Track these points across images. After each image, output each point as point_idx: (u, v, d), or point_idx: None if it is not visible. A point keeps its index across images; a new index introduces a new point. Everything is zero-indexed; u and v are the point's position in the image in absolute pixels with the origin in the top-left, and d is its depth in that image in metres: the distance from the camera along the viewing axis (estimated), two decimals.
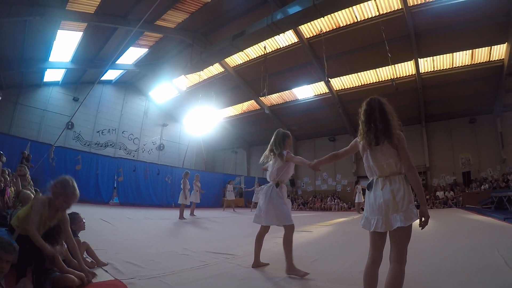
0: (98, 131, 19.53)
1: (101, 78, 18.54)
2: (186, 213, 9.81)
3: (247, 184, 18.00)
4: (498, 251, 3.94)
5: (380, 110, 2.08)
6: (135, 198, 14.77)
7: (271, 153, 3.48)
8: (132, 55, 17.28)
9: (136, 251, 4.00)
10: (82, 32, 13.72)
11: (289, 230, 3.18)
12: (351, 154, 2.45)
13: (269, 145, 3.54)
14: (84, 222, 3.36)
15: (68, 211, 2.69)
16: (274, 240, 4.90)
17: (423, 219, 1.92)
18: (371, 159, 2.07)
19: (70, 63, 15.91)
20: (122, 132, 20.46)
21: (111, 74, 19.54)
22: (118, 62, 17.14)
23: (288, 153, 3.38)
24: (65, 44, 14.50)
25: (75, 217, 3.16)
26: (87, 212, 7.33)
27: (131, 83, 20.83)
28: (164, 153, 22.83)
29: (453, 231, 6.86)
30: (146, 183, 15.44)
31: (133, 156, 20.40)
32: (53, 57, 15.03)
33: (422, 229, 1.93)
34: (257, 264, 3.35)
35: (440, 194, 17.11)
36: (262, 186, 3.63)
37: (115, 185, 14.50)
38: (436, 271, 3.15)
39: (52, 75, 17.30)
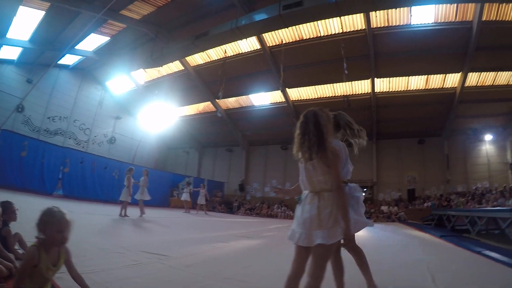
0: (49, 117, 18.38)
1: (58, 62, 17.52)
2: (130, 211, 9.46)
3: (197, 186, 17.78)
4: (427, 268, 4.07)
5: (315, 122, 2.02)
6: (80, 191, 14.09)
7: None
8: (93, 42, 16.50)
9: (69, 246, 3.86)
10: (44, 12, 12.94)
11: None
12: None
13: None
14: (16, 213, 3.14)
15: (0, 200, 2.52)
16: (212, 245, 4.89)
17: (346, 239, 1.96)
18: (304, 173, 2.05)
19: (28, 42, 14.92)
20: (74, 121, 19.37)
21: (69, 59, 18.46)
22: (77, 47, 16.29)
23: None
24: (26, 22, 13.60)
25: (7, 206, 2.97)
26: (28, 202, 7.02)
27: (89, 71, 19.82)
28: (115, 146, 21.85)
29: (389, 245, 7.14)
30: (93, 176, 14.80)
31: (83, 147, 19.39)
32: (11, 33, 14.02)
33: (342, 247, 2.00)
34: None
35: (384, 208, 17.93)
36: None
37: (60, 176, 13.75)
38: (361, 285, 3.23)
39: (8, 53, 16.02)
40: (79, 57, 18.15)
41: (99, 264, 3.18)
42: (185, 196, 14.73)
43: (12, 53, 16.22)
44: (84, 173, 14.45)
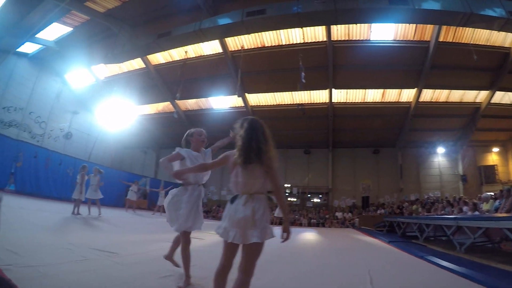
0: (4, 107, 17.42)
1: (17, 50, 16.75)
2: (82, 209, 9.27)
3: (153, 187, 17.53)
4: (369, 272, 4.25)
5: (263, 132, 2.17)
6: (33, 187, 13.50)
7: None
8: (55, 31, 15.94)
9: (19, 240, 3.89)
10: None
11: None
12: (218, 167, 2.51)
13: None
14: None
15: None
16: (160, 244, 5.02)
17: (285, 234, 2.07)
18: (241, 176, 2.14)
19: None
20: (30, 113, 18.43)
21: (28, 47, 17.66)
22: (38, 36, 15.68)
23: (161, 160, 3.21)
24: None
25: None
26: None
27: (48, 61, 18.91)
28: (71, 142, 20.89)
29: (338, 250, 7.42)
30: (47, 172, 14.20)
31: (38, 141, 18.49)
32: None
33: (282, 242, 2.06)
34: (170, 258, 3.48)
35: (339, 214, 18.53)
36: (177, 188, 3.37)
37: (13, 171, 13.08)
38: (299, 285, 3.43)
39: None
40: (39, 46, 17.39)
41: (46, 258, 3.26)
42: (130, 195, 14.51)
43: None
44: (37, 168, 13.84)
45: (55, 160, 14.76)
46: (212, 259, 4.40)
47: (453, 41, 13.61)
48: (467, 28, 12.51)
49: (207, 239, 7.44)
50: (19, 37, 14.93)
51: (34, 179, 13.70)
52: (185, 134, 3.40)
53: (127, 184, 15.41)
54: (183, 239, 3.14)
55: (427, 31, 13.68)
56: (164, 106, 21.09)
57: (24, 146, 13.87)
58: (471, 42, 13.25)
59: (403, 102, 17.31)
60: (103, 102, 20.12)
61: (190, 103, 20.28)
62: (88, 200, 9.91)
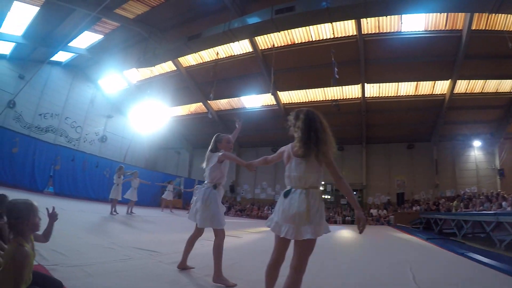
0: (41, 114, 18.28)
1: (51, 59, 17.46)
2: (119, 209, 9.66)
3: (187, 186, 17.77)
4: (410, 268, 4.23)
5: (320, 121, 2.13)
6: (71, 189, 14.08)
7: (208, 153, 3.42)
8: (86, 39, 16.51)
9: (63, 241, 3.98)
10: (39, 8, 12.93)
11: (220, 235, 3.12)
12: (277, 161, 2.49)
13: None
14: None
15: None
16: (200, 242, 5.00)
17: (361, 224, 2.00)
18: (295, 169, 2.10)
19: (21, 38, 14.88)
20: (65, 119, 19.27)
21: (61, 56, 18.36)
22: (70, 44, 16.23)
23: (223, 153, 3.21)
24: (19, 17, 13.56)
25: (2, 199, 2.91)
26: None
27: (81, 69, 19.73)
28: (106, 145, 21.72)
29: (378, 248, 7.31)
30: (84, 174, 14.75)
31: (74, 145, 19.28)
32: (5, 28, 13.93)
33: (360, 233, 1.99)
34: (183, 265, 3.34)
35: (374, 211, 18.11)
36: (198, 185, 3.54)
37: (51, 174, 13.70)
38: (345, 284, 3.39)
39: (0, 48, 15.92)
40: (72, 54, 18.08)
41: (91, 257, 3.33)
42: (166, 195, 14.78)
43: (4, 48, 16.12)
44: (75, 171, 14.40)
45: (92, 162, 15.28)
46: (252, 258, 4.48)
47: (486, 28, 12.91)
48: (500, 15, 11.88)
49: (244, 237, 7.48)
50: (52, 47, 15.48)
51: (72, 181, 14.27)
52: (215, 137, 3.43)
53: (162, 185, 15.75)
54: (223, 235, 3.14)
55: (459, 20, 13.06)
56: (196, 107, 21.39)
57: (62, 150, 14.47)
58: (505, 29, 12.54)
59: (437, 94, 16.68)
60: (136, 106, 20.62)
61: (222, 103, 20.45)
62: (131, 201, 10.28)
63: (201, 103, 20.51)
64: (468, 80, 15.67)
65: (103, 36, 16.16)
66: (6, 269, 1.86)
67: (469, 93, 16.29)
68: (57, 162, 13.80)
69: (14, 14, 13.24)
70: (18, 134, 13.24)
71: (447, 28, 13.50)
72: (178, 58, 16.84)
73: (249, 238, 7.60)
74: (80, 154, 15.41)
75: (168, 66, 18.38)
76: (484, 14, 12.03)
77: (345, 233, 11.22)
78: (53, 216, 2.35)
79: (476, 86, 15.96)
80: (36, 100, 18.04)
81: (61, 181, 13.86)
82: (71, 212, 8.10)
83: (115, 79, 20.69)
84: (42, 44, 15.58)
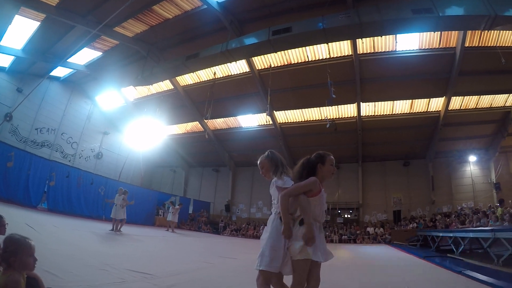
0: (37, 128, 18.20)
1: (50, 74, 17.53)
2: (105, 226, 9.85)
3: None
4: None
5: None
6: (65, 206, 13.82)
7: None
8: (85, 56, 16.61)
9: (56, 261, 3.95)
10: (39, 23, 13.10)
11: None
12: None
13: None
14: (5, 227, 3.04)
15: None
16: (196, 264, 5.05)
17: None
18: (323, 203, 2.50)
19: (21, 51, 14.93)
20: (62, 134, 19.21)
21: (60, 71, 18.48)
22: (69, 60, 16.31)
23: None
24: (20, 31, 13.69)
25: None
26: (13, 215, 6.91)
27: (79, 84, 19.79)
28: (102, 162, 21.70)
29: (372, 266, 7.31)
30: (78, 191, 14.54)
31: (69, 160, 19.19)
32: (5, 41, 13.92)
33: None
34: None
35: (370, 230, 18.03)
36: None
37: (46, 189, 13.52)
38: None
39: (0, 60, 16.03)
40: (71, 70, 18.17)
41: (84, 280, 3.30)
42: (170, 217, 14.80)
43: (4, 61, 16.17)
44: (69, 187, 14.18)
45: (87, 179, 15.10)
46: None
47: (479, 45, 13.17)
48: (493, 31, 12.13)
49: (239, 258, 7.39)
50: (51, 62, 15.62)
51: (66, 197, 14.03)
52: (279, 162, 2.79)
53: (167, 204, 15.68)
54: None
55: (453, 38, 13.32)
56: (192, 126, 21.44)
57: (57, 166, 14.28)
58: (498, 45, 12.81)
59: (432, 111, 16.86)
60: (132, 123, 20.56)
61: (218, 122, 20.50)
62: (123, 220, 10.27)
63: (197, 122, 20.54)
64: (463, 97, 15.85)
65: (102, 53, 16.26)
66: None
67: (464, 109, 16.47)
68: (52, 178, 13.64)
69: (15, 28, 13.34)
70: (14, 148, 13.01)
71: (441, 46, 13.74)
72: (176, 77, 16.97)
73: (246, 259, 7.53)
74: (75, 170, 15.22)
75: (165, 85, 18.49)
76: (477, 31, 12.26)
77: (342, 252, 11.12)
78: None
79: (470, 102, 16.15)
80: (33, 114, 17.96)
81: (55, 197, 13.62)
82: (65, 230, 7.98)
83: (113, 96, 20.74)
84: (42, 59, 15.66)
